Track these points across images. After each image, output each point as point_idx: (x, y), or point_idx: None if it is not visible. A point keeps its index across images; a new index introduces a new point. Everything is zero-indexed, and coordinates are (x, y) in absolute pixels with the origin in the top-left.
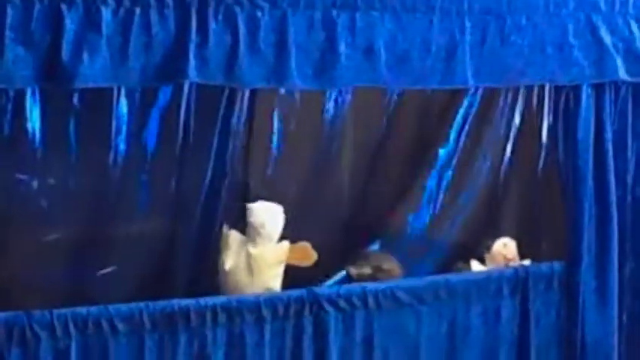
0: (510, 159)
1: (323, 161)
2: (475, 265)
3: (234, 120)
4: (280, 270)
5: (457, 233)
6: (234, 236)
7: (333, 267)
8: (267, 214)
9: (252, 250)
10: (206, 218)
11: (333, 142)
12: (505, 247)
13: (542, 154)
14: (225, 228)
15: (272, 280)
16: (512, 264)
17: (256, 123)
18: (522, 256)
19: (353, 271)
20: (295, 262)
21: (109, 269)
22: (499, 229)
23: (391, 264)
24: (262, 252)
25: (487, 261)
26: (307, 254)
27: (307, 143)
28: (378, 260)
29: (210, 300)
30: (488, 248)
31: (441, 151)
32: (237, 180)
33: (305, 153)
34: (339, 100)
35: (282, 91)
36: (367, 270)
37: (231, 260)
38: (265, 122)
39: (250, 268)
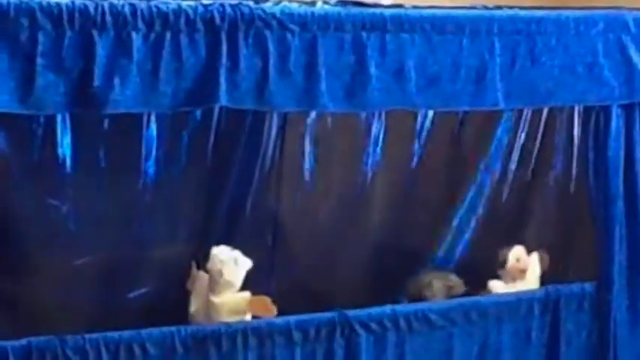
0: (542, 179)
1: (357, 189)
2: (495, 286)
3: (264, 144)
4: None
5: (483, 256)
6: (201, 278)
7: (364, 296)
8: (226, 263)
9: (212, 297)
10: (235, 243)
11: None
12: (519, 262)
13: (574, 174)
14: (193, 268)
15: None
16: (527, 272)
17: (287, 147)
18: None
19: (427, 292)
20: (257, 314)
21: (139, 291)
22: (529, 248)
23: (455, 280)
24: (222, 301)
25: (504, 278)
26: (267, 307)
27: (340, 169)
28: (440, 277)
29: (241, 324)
30: (503, 264)
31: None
32: (268, 206)
33: (338, 179)
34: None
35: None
36: (438, 286)
37: (195, 303)
38: (297, 146)
39: (210, 316)
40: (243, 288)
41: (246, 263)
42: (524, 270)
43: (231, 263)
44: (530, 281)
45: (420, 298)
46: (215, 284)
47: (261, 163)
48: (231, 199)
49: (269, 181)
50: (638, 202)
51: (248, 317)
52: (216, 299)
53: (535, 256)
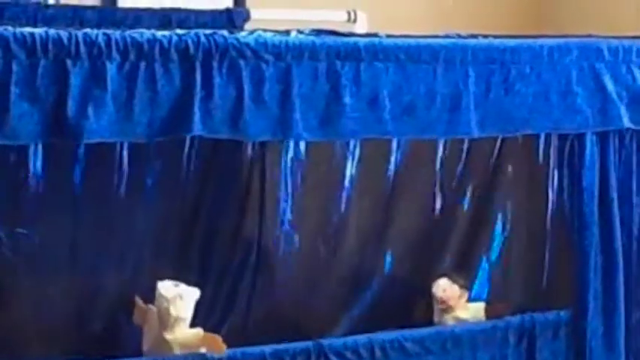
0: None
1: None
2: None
3: (242, 174)
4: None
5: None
6: (152, 314)
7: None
8: (172, 301)
9: (165, 334)
10: (213, 273)
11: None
12: (444, 292)
13: (549, 203)
14: (139, 302)
15: None
16: (451, 304)
17: (267, 176)
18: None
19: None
20: (209, 350)
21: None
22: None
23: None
24: (175, 338)
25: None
26: (218, 345)
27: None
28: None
29: (216, 355)
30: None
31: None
32: (245, 236)
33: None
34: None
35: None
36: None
37: (148, 341)
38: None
39: (164, 352)
40: (219, 317)
41: (193, 294)
42: (449, 305)
43: (177, 300)
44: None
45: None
46: (166, 321)
47: (239, 192)
48: (207, 229)
49: (246, 211)
50: (613, 229)
51: (203, 351)
52: (168, 336)
53: (480, 305)
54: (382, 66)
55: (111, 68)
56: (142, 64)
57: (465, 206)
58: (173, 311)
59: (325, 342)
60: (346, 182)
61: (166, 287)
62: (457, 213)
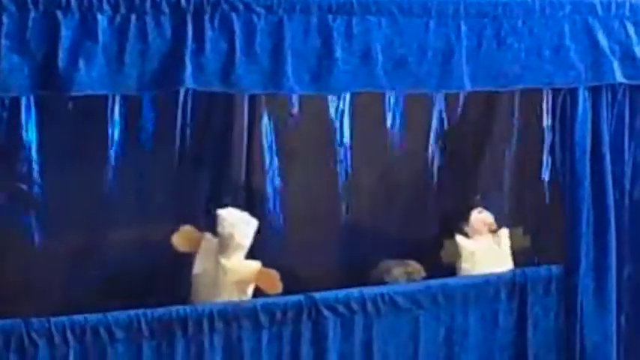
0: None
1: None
2: (461, 240)
3: (232, 126)
4: (249, 289)
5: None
6: (208, 241)
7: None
8: (236, 226)
9: (222, 260)
10: (206, 225)
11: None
12: (481, 213)
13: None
14: (188, 228)
15: (238, 296)
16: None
17: (256, 129)
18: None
19: (387, 276)
20: (261, 287)
21: (112, 272)
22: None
23: (415, 266)
24: (232, 266)
25: (470, 233)
26: (273, 282)
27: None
28: (399, 264)
29: (207, 307)
30: (467, 218)
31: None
32: (239, 186)
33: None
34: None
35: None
36: (399, 273)
37: (200, 265)
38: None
39: (217, 278)
40: None
41: (254, 223)
42: (487, 223)
43: (242, 225)
44: (499, 247)
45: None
46: (226, 247)
47: (232, 146)
48: (202, 180)
49: (239, 164)
50: (605, 184)
51: (251, 288)
52: (228, 263)
53: (504, 230)
54: (374, 20)
55: (102, 20)
56: (133, 17)
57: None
58: (237, 237)
59: (317, 295)
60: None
61: (231, 213)
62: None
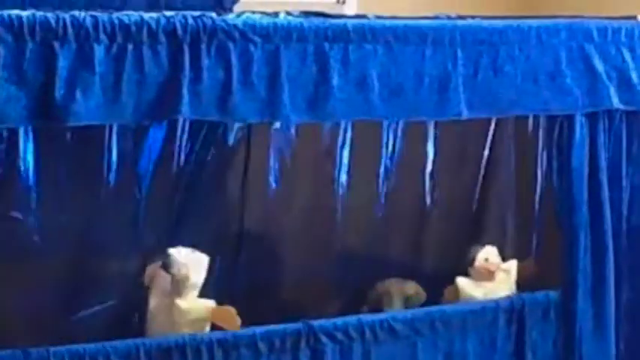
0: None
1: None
2: (462, 282)
3: (229, 156)
4: (205, 327)
5: (446, 257)
6: (163, 277)
7: (332, 306)
8: (190, 267)
9: (177, 301)
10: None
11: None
12: (487, 262)
13: (539, 183)
14: (152, 265)
15: None
16: (496, 273)
17: (253, 158)
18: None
19: (385, 301)
20: (220, 324)
21: (104, 303)
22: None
23: (414, 288)
24: (187, 306)
25: (473, 275)
26: (231, 318)
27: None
28: (399, 285)
29: (206, 335)
30: (471, 262)
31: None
32: (232, 216)
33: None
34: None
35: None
36: (397, 296)
37: (154, 301)
38: (262, 156)
39: (172, 317)
40: (207, 296)
41: (205, 260)
42: (492, 271)
43: (196, 265)
44: (503, 286)
45: (379, 308)
46: (181, 288)
47: (226, 174)
48: (195, 209)
49: (234, 192)
50: (602, 209)
51: (207, 326)
52: (182, 303)
53: (513, 262)
54: (371, 48)
55: (98, 50)
56: (130, 47)
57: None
58: (192, 276)
59: (315, 323)
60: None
61: (183, 253)
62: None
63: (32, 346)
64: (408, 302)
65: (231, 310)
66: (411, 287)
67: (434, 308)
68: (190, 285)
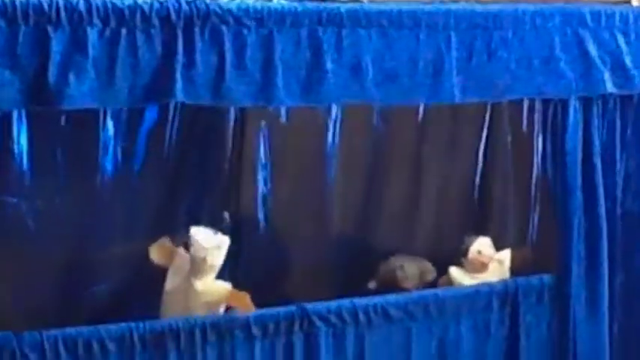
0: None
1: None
2: (455, 272)
3: (223, 139)
4: (220, 310)
5: (440, 244)
6: (181, 257)
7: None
8: (209, 249)
9: (194, 281)
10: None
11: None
12: (480, 254)
13: (534, 168)
14: (165, 241)
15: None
16: (489, 265)
17: (246, 141)
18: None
19: (400, 273)
20: (235, 307)
21: (99, 286)
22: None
23: (427, 265)
24: (204, 288)
25: (466, 266)
26: (246, 303)
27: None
28: (412, 261)
29: (199, 318)
30: (465, 253)
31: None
32: (228, 199)
33: (296, 172)
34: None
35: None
36: (412, 271)
37: (172, 281)
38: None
39: (188, 298)
40: None
41: (226, 243)
42: (485, 264)
43: (215, 247)
44: (496, 276)
45: (391, 281)
46: (198, 269)
47: (221, 159)
48: (191, 193)
49: (228, 177)
50: (596, 194)
51: (222, 308)
52: (199, 285)
53: (507, 252)
54: (364, 32)
55: (92, 34)
56: (123, 31)
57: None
58: (210, 260)
59: (309, 307)
60: None
61: (205, 235)
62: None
63: (25, 330)
64: (422, 277)
65: (245, 294)
66: (424, 263)
67: (428, 292)
68: (209, 267)
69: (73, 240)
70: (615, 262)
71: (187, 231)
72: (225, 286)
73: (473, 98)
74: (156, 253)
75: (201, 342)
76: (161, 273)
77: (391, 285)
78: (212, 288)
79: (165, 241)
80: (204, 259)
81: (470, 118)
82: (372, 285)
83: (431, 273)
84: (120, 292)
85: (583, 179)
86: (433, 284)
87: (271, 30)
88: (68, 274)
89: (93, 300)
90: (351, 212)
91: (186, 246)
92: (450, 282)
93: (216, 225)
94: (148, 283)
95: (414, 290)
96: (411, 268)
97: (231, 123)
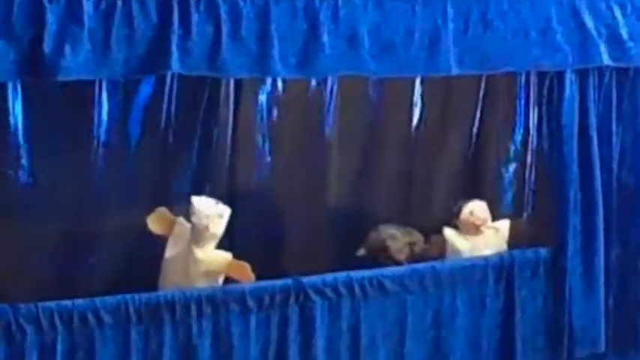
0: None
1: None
2: (448, 233)
3: (218, 110)
4: (219, 280)
5: (434, 216)
6: (181, 225)
7: (324, 260)
8: (211, 217)
9: (195, 250)
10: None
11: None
12: (472, 215)
13: (530, 140)
14: (164, 211)
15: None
16: (483, 228)
17: (242, 112)
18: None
19: (391, 242)
20: (235, 277)
21: (96, 257)
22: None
23: (416, 235)
24: (204, 256)
25: (460, 228)
26: (245, 273)
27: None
28: (402, 231)
29: (195, 291)
30: (457, 214)
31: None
32: (224, 171)
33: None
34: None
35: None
36: (402, 242)
37: (171, 250)
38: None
39: (188, 267)
40: None
41: (227, 213)
42: (477, 226)
43: (216, 218)
44: (492, 243)
45: (381, 250)
46: (199, 238)
47: (216, 130)
48: (187, 164)
49: (224, 148)
50: (592, 167)
51: (221, 278)
52: (200, 253)
53: (505, 221)
54: (360, 3)
55: (87, 5)
56: (119, 2)
57: None
58: (212, 227)
59: (305, 279)
60: None
61: (207, 204)
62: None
63: (20, 301)
64: (412, 246)
65: (246, 264)
66: (414, 234)
67: (423, 265)
68: (210, 235)
69: (69, 212)
70: (611, 235)
71: (184, 202)
72: (225, 256)
73: (469, 70)
74: (154, 223)
75: (196, 314)
76: (158, 244)
77: (380, 254)
78: (212, 257)
79: (163, 211)
80: (206, 227)
81: (465, 90)
82: (361, 252)
83: (421, 243)
84: (116, 264)
85: (579, 152)
86: (423, 256)
87: (267, 1)
88: (64, 246)
89: (90, 272)
90: (347, 183)
91: (187, 216)
92: (443, 241)
93: (213, 196)
94: (145, 255)
95: (404, 261)
96: (402, 238)
97: (228, 94)
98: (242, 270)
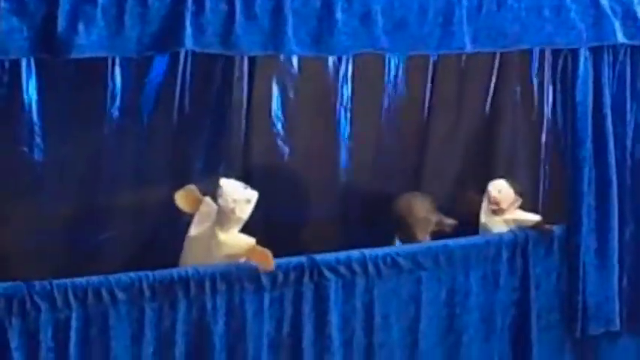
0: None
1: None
2: (484, 218)
3: (232, 88)
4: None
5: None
6: (208, 205)
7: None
8: (238, 201)
9: (219, 232)
10: (202, 187)
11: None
12: (500, 193)
13: (544, 118)
14: (193, 189)
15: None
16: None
17: (256, 90)
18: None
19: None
20: (255, 262)
21: (110, 234)
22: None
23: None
24: (227, 240)
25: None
26: (267, 260)
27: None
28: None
29: (209, 268)
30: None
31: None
32: (238, 149)
33: (306, 121)
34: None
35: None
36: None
37: (196, 228)
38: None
39: (210, 248)
40: None
41: (254, 197)
42: (497, 207)
43: (243, 203)
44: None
45: (408, 213)
46: (225, 220)
47: (230, 108)
48: (200, 142)
49: (238, 125)
50: (606, 144)
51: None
52: (222, 236)
53: (537, 216)
54: None
55: None
56: None
57: None
58: (238, 211)
59: (319, 257)
60: None
61: (235, 188)
62: None
63: (34, 278)
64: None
65: (267, 251)
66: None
67: (437, 243)
68: (235, 219)
69: (83, 189)
70: (625, 213)
71: (197, 180)
72: (248, 240)
73: (483, 48)
74: (182, 200)
75: (210, 292)
76: (173, 222)
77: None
78: (235, 240)
79: (192, 188)
80: (232, 210)
81: (479, 67)
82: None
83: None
84: (134, 241)
85: (593, 130)
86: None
87: None
88: (77, 223)
89: (101, 249)
90: (362, 162)
91: (214, 196)
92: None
93: (228, 175)
94: (156, 232)
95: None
96: (429, 202)
97: (242, 71)
98: (263, 256)
